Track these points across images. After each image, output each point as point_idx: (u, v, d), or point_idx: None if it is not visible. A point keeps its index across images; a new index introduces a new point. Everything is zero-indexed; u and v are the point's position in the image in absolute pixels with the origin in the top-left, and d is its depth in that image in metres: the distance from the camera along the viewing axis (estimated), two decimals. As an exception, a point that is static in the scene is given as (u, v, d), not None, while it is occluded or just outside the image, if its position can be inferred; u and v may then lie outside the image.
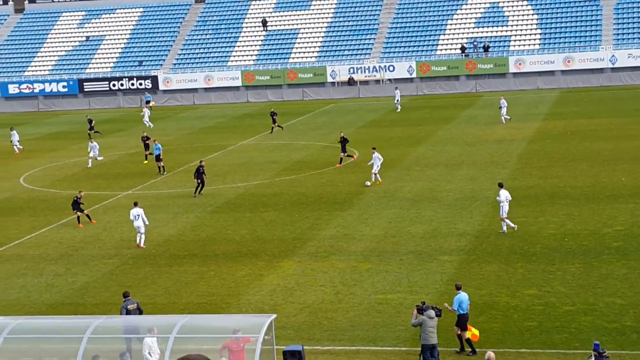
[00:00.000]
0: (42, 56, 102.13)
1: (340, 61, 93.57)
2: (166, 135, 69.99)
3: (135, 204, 38.19)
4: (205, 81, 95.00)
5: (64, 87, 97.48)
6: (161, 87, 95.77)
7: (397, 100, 76.40)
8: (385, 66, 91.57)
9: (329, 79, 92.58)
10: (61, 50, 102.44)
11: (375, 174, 46.67)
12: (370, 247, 35.38)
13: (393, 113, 75.49)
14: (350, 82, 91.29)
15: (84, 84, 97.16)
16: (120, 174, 53.87)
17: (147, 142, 57.55)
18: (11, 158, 62.47)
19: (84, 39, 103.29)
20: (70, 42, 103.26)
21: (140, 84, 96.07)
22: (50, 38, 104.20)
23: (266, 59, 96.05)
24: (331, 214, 40.95)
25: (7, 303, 31.48)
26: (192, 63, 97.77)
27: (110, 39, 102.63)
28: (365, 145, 58.86)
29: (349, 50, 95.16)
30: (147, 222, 37.89)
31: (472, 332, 24.59)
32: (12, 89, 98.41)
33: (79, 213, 41.88)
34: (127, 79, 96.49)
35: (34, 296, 31.96)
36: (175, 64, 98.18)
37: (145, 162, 56.91)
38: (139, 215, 37.45)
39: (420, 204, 41.69)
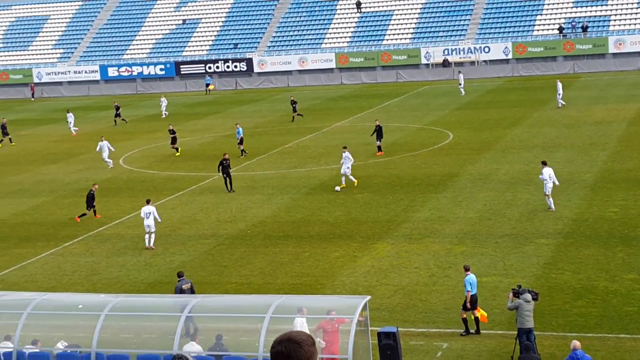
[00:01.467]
0: (140, 40, 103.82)
1: (434, 43, 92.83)
2: (261, 117, 70.57)
3: (148, 202, 36.81)
4: (299, 63, 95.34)
5: (161, 69, 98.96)
6: (256, 69, 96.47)
7: (461, 84, 75.19)
8: (480, 47, 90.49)
9: (423, 61, 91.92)
10: (158, 34, 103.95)
11: (345, 175, 43.59)
12: (464, 229, 35.13)
13: (488, 94, 74.61)
14: (445, 63, 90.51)
15: (181, 66, 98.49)
16: (216, 155, 54.39)
17: (173, 135, 55.74)
18: (112, 140, 63.65)
19: (181, 22, 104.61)
20: (167, 25, 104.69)
21: (235, 67, 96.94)
22: (148, 22, 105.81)
23: (360, 41, 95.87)
24: (425, 196, 40.76)
25: (107, 281, 32.24)
26: (287, 45, 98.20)
27: (206, 22, 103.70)
28: (459, 127, 58.36)
29: (443, 31, 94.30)
30: (159, 220, 36.61)
31: (481, 313, 25.04)
32: (112, 72, 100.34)
33: (89, 210, 40.91)
34: (222, 61, 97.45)
35: (133, 275, 32.64)
36: (269, 47, 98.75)
37: (177, 154, 55.50)
38: (150, 213, 35.78)
39: (516, 186, 41.18)
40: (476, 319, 25.26)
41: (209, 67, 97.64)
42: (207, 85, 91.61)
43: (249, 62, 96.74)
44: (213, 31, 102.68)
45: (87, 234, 38.65)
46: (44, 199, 45.84)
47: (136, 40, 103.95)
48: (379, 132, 51.11)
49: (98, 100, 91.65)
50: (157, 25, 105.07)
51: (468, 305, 25.31)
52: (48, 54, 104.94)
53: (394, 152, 51.78)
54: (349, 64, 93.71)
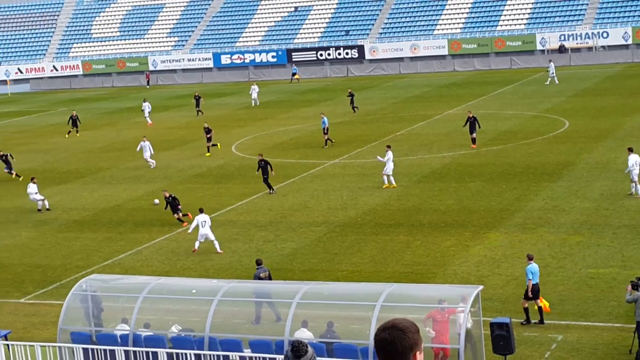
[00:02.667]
0: (252, 27, 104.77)
1: (550, 28, 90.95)
2: (372, 104, 70.36)
3: (201, 210, 35.00)
4: (411, 50, 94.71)
5: (273, 57, 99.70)
6: (367, 56, 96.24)
7: (552, 73, 73.01)
8: (598, 32, 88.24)
9: (539, 47, 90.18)
10: (270, 21, 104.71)
11: (387, 176, 41.97)
12: (580, 219, 34.29)
13: (606, 81, 72.71)
14: (561, 49, 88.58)
15: (292, 54, 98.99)
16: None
17: (209, 134, 53.82)
18: (225, 127, 64.45)
19: (293, 9, 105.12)
20: (279, 13, 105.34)
21: (347, 54, 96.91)
22: (260, 9, 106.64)
23: (473, 27, 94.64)
24: (539, 185, 39.96)
25: (220, 267, 32.61)
26: (398, 32, 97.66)
27: (318, 9, 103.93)
28: (576, 115, 57.04)
29: (560, 16, 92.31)
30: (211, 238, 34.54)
31: (544, 303, 24.85)
32: (225, 60, 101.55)
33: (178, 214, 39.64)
34: (333, 48, 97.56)
35: (245, 261, 32.92)
36: (381, 33, 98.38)
37: (208, 154, 53.91)
38: (205, 222, 34.30)
39: (635, 176, 39.97)
40: (539, 308, 25.02)
41: (320, 55, 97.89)
42: (294, 74, 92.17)
43: (361, 49, 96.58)
44: (325, 18, 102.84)
45: (200, 220, 39.13)
46: (159, 185, 46.63)
47: (248, 28, 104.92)
48: (472, 123, 49.29)
49: (211, 87, 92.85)
50: (269, 13, 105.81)
51: (529, 294, 25.12)
52: (163, 42, 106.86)
53: (507, 140, 50.92)
54: (461, 51, 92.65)
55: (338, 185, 43.45)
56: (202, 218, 34.64)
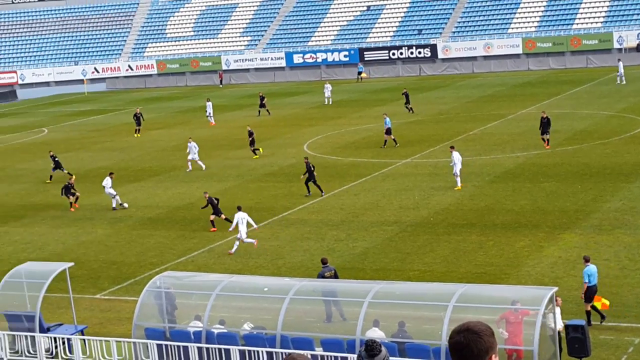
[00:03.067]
0: (324, 27, 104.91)
1: (628, 26, 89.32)
2: (444, 103, 69.94)
3: (239, 209, 35.62)
4: (484, 49, 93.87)
5: (345, 56, 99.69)
6: (440, 55, 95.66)
7: (620, 73, 71.32)
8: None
9: (616, 45, 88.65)
10: (343, 21, 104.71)
11: (458, 176, 41.24)
12: (659, 221, 33.62)
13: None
14: (639, 48, 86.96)
15: (365, 53, 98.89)
16: (399, 142, 54.37)
17: (251, 137, 53.45)
18: (297, 125, 64.69)
19: (365, 8, 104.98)
20: (352, 12, 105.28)
21: (419, 53, 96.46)
22: (333, 8, 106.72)
23: (548, 25, 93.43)
24: (616, 186, 39.28)
25: (291, 265, 32.71)
26: (472, 31, 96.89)
27: (391, 8, 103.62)
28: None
29: (638, 14, 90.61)
30: (255, 226, 35.60)
31: (602, 302, 24.78)
32: (297, 59, 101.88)
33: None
34: (406, 47, 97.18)
35: (316, 259, 32.93)
36: (454, 32, 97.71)
37: (255, 157, 53.20)
38: (244, 219, 34.91)
39: None
40: (593, 307, 24.88)
41: (393, 54, 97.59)
42: (360, 73, 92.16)
43: (433, 48, 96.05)
44: (397, 17, 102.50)
45: (272, 219, 39.36)
46: (231, 184, 46.99)
47: (321, 27, 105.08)
48: (545, 124, 48.47)
49: (283, 86, 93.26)
50: (341, 12, 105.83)
51: (582, 296, 25.18)
52: (236, 41, 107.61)
53: (582, 139, 50.17)
54: (536, 49, 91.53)
55: (410, 184, 43.28)
56: (241, 216, 35.04)
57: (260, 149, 53.57)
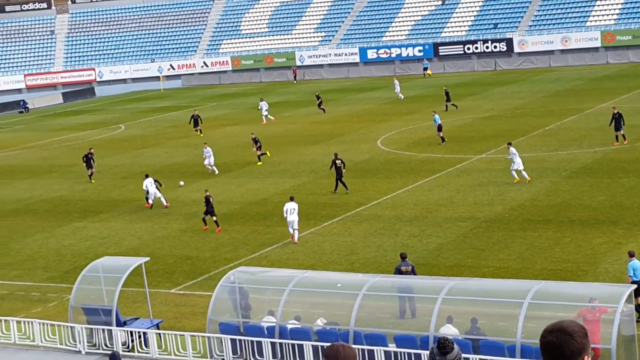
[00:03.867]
0: (399, 21, 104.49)
1: None
2: (520, 98, 69.10)
3: (292, 199, 36.32)
4: (562, 43, 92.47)
5: (419, 51, 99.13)
6: (516, 49, 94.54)
7: None
8: None
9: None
10: (417, 15, 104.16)
11: (517, 171, 41.13)
12: None
13: None
14: None
15: (439, 47, 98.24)
16: (474, 137, 53.90)
17: (258, 144, 51.89)
18: (370, 121, 64.52)
19: (440, 3, 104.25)
20: (426, 6, 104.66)
21: (495, 47, 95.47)
22: (407, 3, 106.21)
23: (628, 18, 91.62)
24: (698, 182, 38.34)
25: (365, 261, 32.63)
26: (549, 24, 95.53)
27: (466, 2, 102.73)
28: None
29: None
30: (296, 219, 35.55)
31: None
32: (371, 54, 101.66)
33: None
34: (481, 42, 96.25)
35: (390, 255, 32.83)
36: (531, 26, 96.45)
37: (259, 163, 51.80)
38: (294, 209, 35.36)
39: None
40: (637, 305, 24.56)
41: (468, 48, 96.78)
42: (425, 69, 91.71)
43: (509, 42, 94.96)
44: (473, 11, 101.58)
45: (345, 214, 39.32)
46: (305, 179, 47.07)
47: (395, 22, 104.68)
48: (617, 120, 47.22)
49: (357, 82, 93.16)
50: (416, 7, 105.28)
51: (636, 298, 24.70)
52: (310, 37, 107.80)
53: (662, 134, 49.09)
54: (615, 43, 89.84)
55: (484, 180, 42.84)
56: (291, 206, 35.60)
57: (268, 153, 52.54)
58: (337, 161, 42.99)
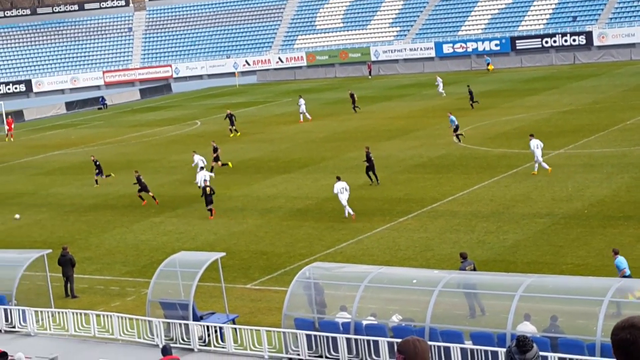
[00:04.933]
0: (475, 15, 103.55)
1: None
2: (600, 92, 67.91)
3: (338, 178, 39.01)
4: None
5: (496, 45, 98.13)
6: (595, 42, 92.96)
7: None
8: None
9: None
10: (494, 9, 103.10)
11: (539, 163, 42.52)
12: None
13: None
14: None
15: (516, 41, 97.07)
16: (552, 132, 53.07)
17: (215, 153, 51.47)
18: (445, 116, 64.01)
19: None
20: (503, 0, 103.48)
21: (574, 40, 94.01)
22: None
23: None
24: None
25: (440, 257, 32.34)
26: (630, 16, 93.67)
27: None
28: None
29: None
30: (346, 194, 38.40)
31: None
32: (446, 49, 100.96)
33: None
34: (559, 35, 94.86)
35: (466, 251, 32.46)
36: (611, 18, 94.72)
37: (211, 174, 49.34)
38: (343, 188, 38.15)
39: None
40: None
41: (546, 42, 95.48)
42: (488, 64, 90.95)
43: (589, 35, 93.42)
44: (551, 4, 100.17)
45: (420, 210, 39.07)
46: (381, 175, 46.87)
47: (471, 16, 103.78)
48: None
49: (432, 77, 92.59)
50: (493, 1, 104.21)
51: None
52: (385, 32, 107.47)
53: None
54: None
55: (563, 175, 42.16)
56: (341, 185, 38.06)
57: (229, 164, 51.85)
58: (370, 155, 44.22)
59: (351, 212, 38.26)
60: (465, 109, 66.47)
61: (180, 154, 58.81)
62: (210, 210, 41.38)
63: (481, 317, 24.72)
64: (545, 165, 42.70)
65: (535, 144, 42.77)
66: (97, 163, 51.57)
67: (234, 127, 65.37)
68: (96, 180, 51.29)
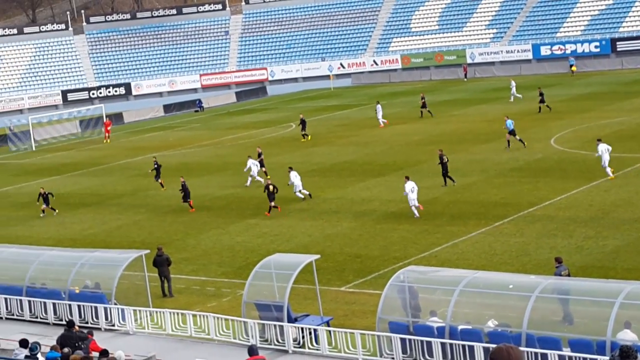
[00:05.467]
0: (574, 17, 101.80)
1: None
2: None
3: (407, 178, 40.33)
4: None
5: (595, 47, 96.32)
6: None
7: None
8: None
9: None
10: (594, 10, 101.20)
11: (606, 168, 42.56)
12: None
13: None
14: None
15: (617, 43, 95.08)
16: (654, 136, 51.86)
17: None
18: (542, 119, 63.11)
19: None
20: (603, 0, 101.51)
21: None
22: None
23: None
24: None
25: (537, 262, 31.85)
26: None
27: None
28: None
29: None
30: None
31: None
32: (544, 51, 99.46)
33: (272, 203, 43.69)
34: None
35: (563, 257, 31.86)
36: None
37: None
38: (414, 188, 39.47)
39: None
40: None
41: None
42: (571, 66, 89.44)
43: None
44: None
45: (517, 214, 38.55)
46: (476, 179, 46.45)
47: (570, 17, 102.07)
48: None
49: (529, 79, 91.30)
50: (592, 1, 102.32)
51: None
52: (481, 34, 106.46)
53: None
54: None
55: (666, 180, 41.14)
56: (411, 185, 39.70)
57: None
58: (444, 157, 45.07)
59: (419, 209, 39.74)
60: (568, 111, 65.34)
61: (275, 156, 59.22)
62: (275, 207, 43.38)
63: (579, 324, 24.25)
64: (609, 170, 42.45)
65: (604, 149, 42.87)
66: (157, 165, 52.34)
67: (305, 132, 65.90)
68: (161, 184, 52.07)
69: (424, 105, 71.03)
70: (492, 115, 68.29)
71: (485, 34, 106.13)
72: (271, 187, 43.07)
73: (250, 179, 49.99)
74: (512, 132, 53.36)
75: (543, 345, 22.56)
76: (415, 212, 39.66)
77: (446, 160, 45.23)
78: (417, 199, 39.70)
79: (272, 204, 43.23)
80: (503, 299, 25.62)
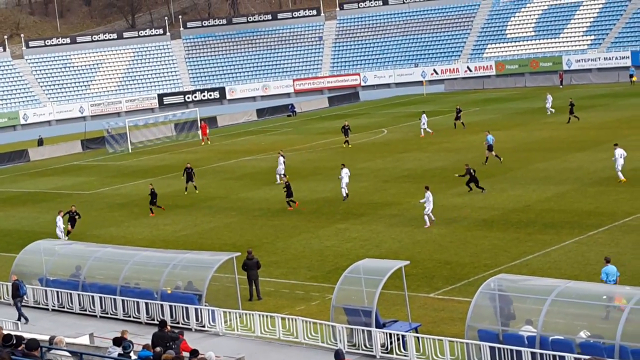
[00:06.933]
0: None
1: None
2: None
3: (427, 188, 41.20)
4: None
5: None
6: None
7: None
8: None
9: None
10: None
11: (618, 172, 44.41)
12: None
13: None
14: None
15: None
16: None
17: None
18: (636, 126, 61.83)
19: None
20: None
21: None
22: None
23: None
24: None
25: (632, 273, 31.16)
26: None
27: None
28: None
29: None
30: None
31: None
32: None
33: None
34: None
35: None
36: None
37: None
38: (428, 198, 40.64)
39: None
40: None
41: None
42: (631, 76, 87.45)
43: None
44: None
45: (612, 224, 37.80)
46: (569, 187, 45.71)
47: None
48: None
49: (627, 87, 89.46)
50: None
51: None
52: (578, 41, 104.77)
53: None
54: None
55: None
56: (428, 195, 40.56)
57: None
58: (471, 170, 46.63)
59: (431, 219, 40.78)
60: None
61: (366, 161, 59.22)
62: (294, 202, 47.11)
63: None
64: (621, 174, 44.47)
65: (620, 154, 44.75)
66: (153, 192, 49.89)
67: (347, 139, 67.80)
68: (151, 210, 49.87)
69: (457, 117, 71.38)
70: (587, 122, 67.12)
71: (583, 40, 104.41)
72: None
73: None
74: (489, 148, 54.15)
75: (637, 358, 22.07)
76: (427, 221, 40.69)
77: (473, 172, 46.51)
78: (432, 210, 40.91)
79: (290, 198, 47.09)
80: (596, 309, 25.14)
